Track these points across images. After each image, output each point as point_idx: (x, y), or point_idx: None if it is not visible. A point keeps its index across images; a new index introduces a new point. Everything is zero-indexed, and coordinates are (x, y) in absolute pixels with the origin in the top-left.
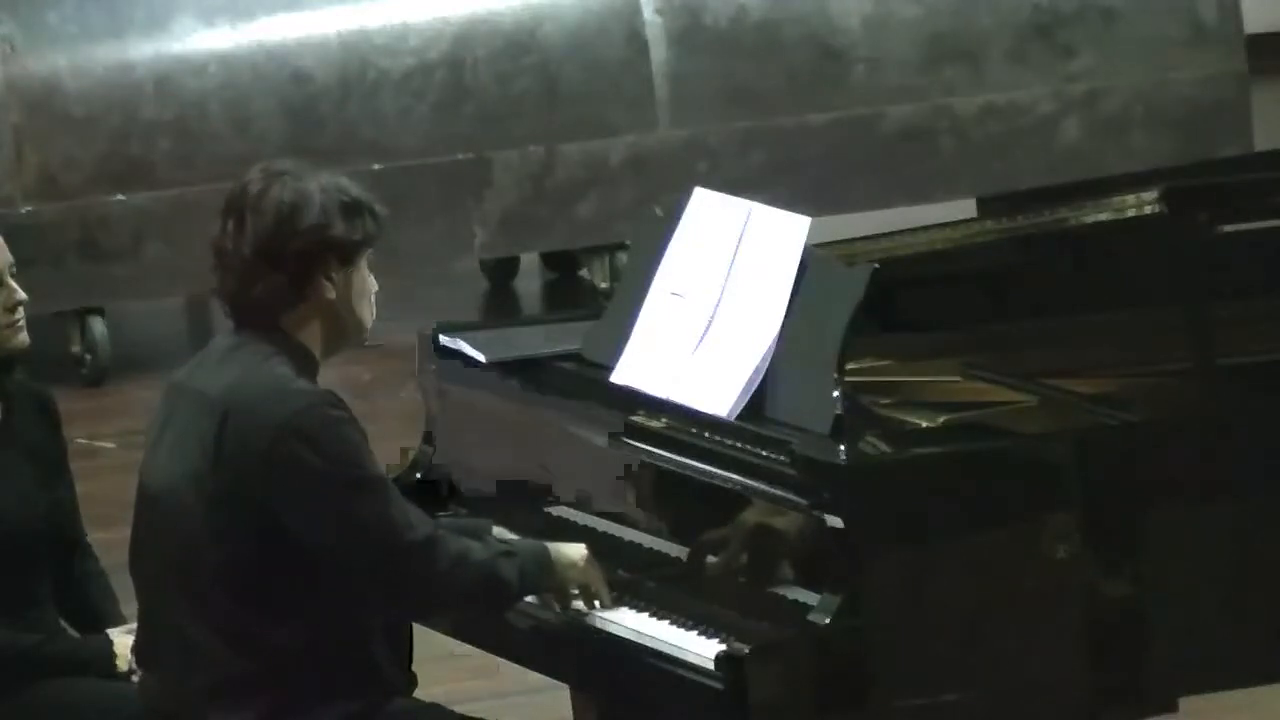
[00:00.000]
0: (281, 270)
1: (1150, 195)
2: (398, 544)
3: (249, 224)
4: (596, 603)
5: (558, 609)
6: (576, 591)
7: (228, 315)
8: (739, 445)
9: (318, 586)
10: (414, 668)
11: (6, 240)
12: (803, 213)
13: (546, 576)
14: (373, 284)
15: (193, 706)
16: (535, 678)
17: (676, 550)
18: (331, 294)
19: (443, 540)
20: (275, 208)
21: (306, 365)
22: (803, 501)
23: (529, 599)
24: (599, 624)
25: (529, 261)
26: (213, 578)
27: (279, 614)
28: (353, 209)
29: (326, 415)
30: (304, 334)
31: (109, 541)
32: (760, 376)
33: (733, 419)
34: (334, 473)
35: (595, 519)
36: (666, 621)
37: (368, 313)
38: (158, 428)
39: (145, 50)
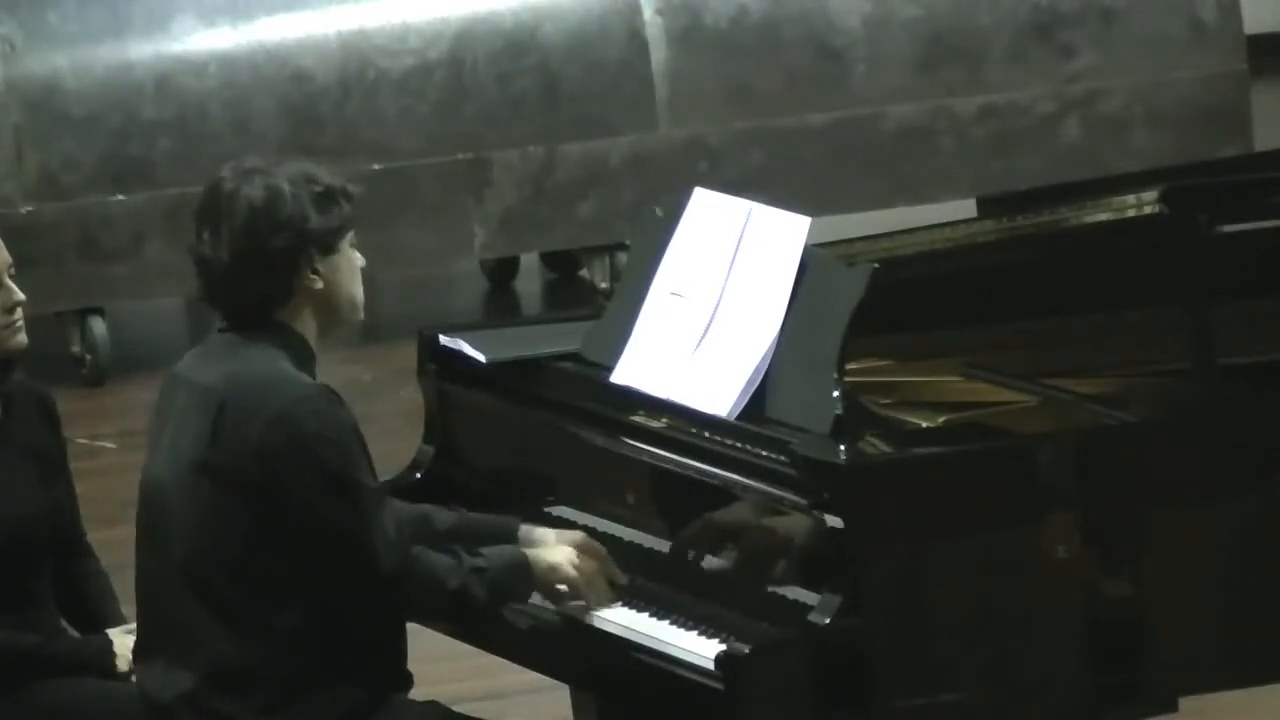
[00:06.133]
0: (265, 270)
1: (1150, 195)
2: (367, 561)
3: (224, 229)
4: (591, 599)
5: (553, 607)
6: (565, 589)
7: (220, 317)
8: (739, 445)
9: (315, 570)
10: (415, 668)
11: (6, 240)
12: (803, 213)
13: (526, 585)
14: (359, 260)
15: (195, 697)
16: (535, 678)
17: None
18: (319, 284)
19: (412, 566)
20: (248, 209)
21: (304, 357)
22: (803, 501)
23: (534, 600)
24: (599, 624)
25: (529, 261)
26: (215, 563)
27: (279, 598)
28: (326, 197)
29: (322, 409)
30: (299, 323)
31: (109, 541)
32: (760, 376)
33: (733, 419)
34: (322, 467)
35: (595, 519)
36: (666, 621)
37: (359, 290)
38: (158, 420)
39: (145, 50)
